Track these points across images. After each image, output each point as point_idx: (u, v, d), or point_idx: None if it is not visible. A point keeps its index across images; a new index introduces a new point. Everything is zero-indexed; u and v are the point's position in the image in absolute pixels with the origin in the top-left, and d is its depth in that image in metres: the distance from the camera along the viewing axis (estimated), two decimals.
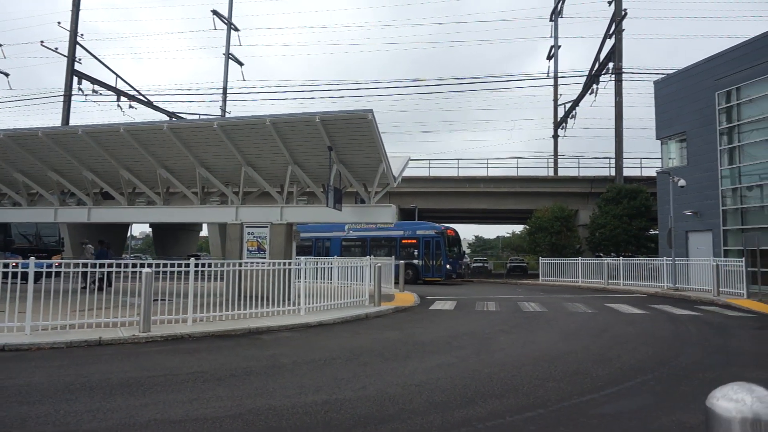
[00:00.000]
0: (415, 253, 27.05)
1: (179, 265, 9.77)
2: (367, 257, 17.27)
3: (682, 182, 20.13)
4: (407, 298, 16.14)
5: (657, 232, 27.16)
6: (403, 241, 27.53)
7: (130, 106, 39.79)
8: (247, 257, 14.41)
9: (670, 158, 25.48)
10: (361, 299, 13.45)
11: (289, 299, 12.03)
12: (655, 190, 26.50)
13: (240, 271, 11.49)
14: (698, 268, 19.87)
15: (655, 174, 26.86)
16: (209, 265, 10.79)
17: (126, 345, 8.06)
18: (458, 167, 35.26)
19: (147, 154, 14.85)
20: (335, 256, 25.96)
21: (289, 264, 12.41)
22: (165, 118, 38.86)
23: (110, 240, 20.30)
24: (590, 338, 9.26)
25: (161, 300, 10.97)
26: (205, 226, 43.41)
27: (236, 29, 45.12)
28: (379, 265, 14.16)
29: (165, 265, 9.72)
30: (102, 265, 9.30)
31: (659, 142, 25.82)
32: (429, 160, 35.15)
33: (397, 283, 19.35)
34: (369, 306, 13.21)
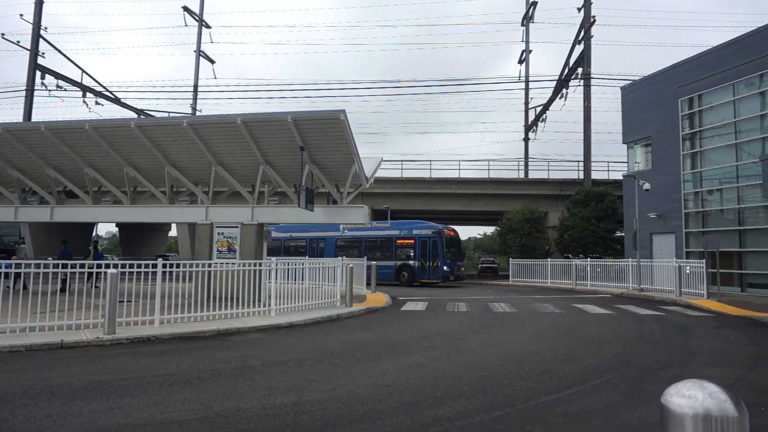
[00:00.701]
0: (411, 254, 26.02)
1: (146, 266, 9.57)
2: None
3: (646, 186, 20.68)
4: (379, 298, 16.16)
5: (623, 234, 27.84)
6: (399, 241, 26.51)
7: (97, 103, 38.78)
8: (217, 258, 14.21)
9: (636, 162, 26.15)
10: (332, 300, 13.41)
11: (259, 300, 11.92)
12: (621, 193, 27.17)
13: (209, 271, 11.32)
14: (662, 269, 20.44)
15: (621, 177, 27.53)
16: (178, 266, 10.60)
17: (90, 348, 7.85)
18: (430, 168, 35.51)
19: (114, 152, 14.51)
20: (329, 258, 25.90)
21: (260, 265, 12.29)
22: (133, 115, 38.03)
23: (75, 240, 19.74)
24: (558, 338, 9.43)
25: (127, 301, 10.73)
26: (174, 226, 42.63)
27: (208, 26, 44.49)
28: (351, 265, 14.14)
29: (132, 266, 9.51)
30: (65, 266, 9.05)
31: (626, 146, 26.48)
32: (402, 161, 35.15)
33: (369, 284, 19.34)
34: (340, 307, 13.18)
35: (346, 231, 27.76)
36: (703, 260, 17.88)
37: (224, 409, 4.84)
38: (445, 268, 25.15)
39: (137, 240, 42.37)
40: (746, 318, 12.60)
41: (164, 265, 9.64)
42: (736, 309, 14.05)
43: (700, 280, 17.75)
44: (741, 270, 20.19)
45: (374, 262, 21.91)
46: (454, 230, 27.23)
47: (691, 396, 1.29)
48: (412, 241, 26.04)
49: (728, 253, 20.08)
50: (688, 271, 18.43)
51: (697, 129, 22.26)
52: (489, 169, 35.92)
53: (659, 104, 24.00)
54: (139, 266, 9.49)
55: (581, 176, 32.84)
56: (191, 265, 10.78)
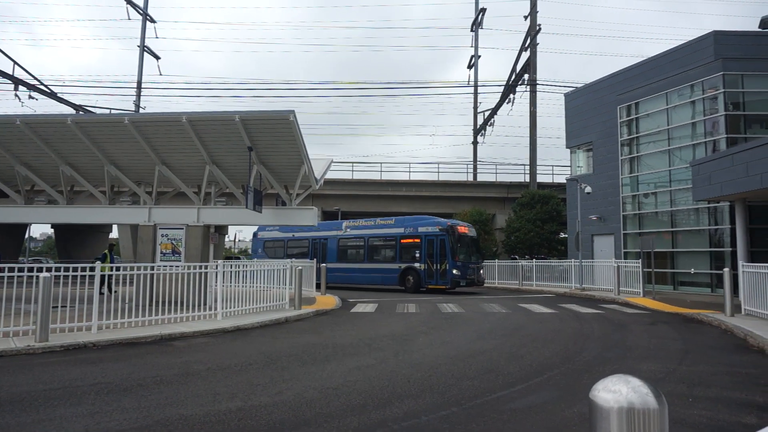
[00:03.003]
0: (417, 255, 22.12)
1: (84, 269, 9.14)
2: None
3: (588, 189, 21.53)
4: (328, 301, 16.08)
5: (566, 235, 28.87)
6: (403, 241, 22.79)
7: (30, 97, 36.65)
8: (161, 260, 13.74)
9: (578, 166, 27.20)
10: (281, 303, 13.23)
11: (205, 304, 11.61)
12: (565, 196, 28.17)
13: (152, 274, 10.93)
14: (602, 269, 21.33)
15: (565, 181, 28.55)
16: (118, 269, 10.17)
17: (19, 356, 7.41)
18: (381, 171, 35.87)
19: (48, 149, 13.79)
20: (333, 260, 24.26)
21: (206, 267, 11.97)
22: (71, 111, 36.23)
23: (5, 242, 18.61)
24: (504, 337, 9.66)
25: (62, 307, 10.20)
26: (115, 228, 40.92)
27: (152, 21, 43.01)
28: (300, 267, 14.00)
29: (67, 269, 9.05)
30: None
31: (569, 150, 27.49)
32: (353, 163, 35.27)
33: (318, 286, 19.21)
34: (289, 310, 13.02)
35: (348, 230, 25.14)
36: (640, 260, 18.78)
37: (165, 417, 4.68)
38: (454, 271, 21.01)
39: (75, 242, 40.40)
40: (677, 314, 13.32)
41: (103, 269, 9.22)
42: (668, 306, 14.83)
43: (637, 279, 18.62)
44: (673, 269, 21.34)
45: (403, 265, 22.02)
46: (468, 226, 23.38)
47: (616, 390, 1.34)
48: (418, 241, 22.24)
49: (662, 254, 21.18)
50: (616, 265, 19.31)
51: (634, 135, 23.37)
52: (439, 172, 36.60)
53: (600, 111, 25.05)
54: (75, 270, 9.05)
55: (527, 179, 33.83)
56: (133, 268, 10.37)
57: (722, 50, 20.02)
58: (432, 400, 5.30)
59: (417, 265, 22.01)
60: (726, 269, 12.70)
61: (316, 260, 21.29)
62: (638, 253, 20.53)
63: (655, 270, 19.08)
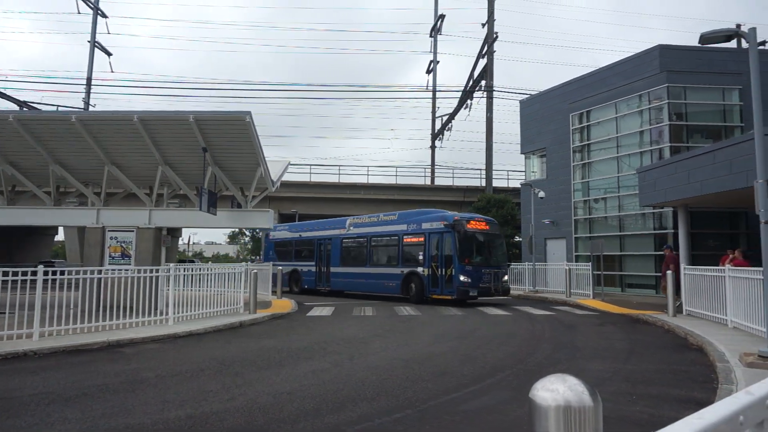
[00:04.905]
0: (421, 258, 17.82)
1: (24, 273, 8.71)
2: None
3: (541, 194, 22.12)
4: (284, 305, 15.89)
5: (521, 239, 29.53)
6: (406, 240, 18.64)
7: None
8: (110, 264, 13.26)
9: (532, 171, 27.90)
10: (235, 307, 12.99)
11: (156, 308, 11.26)
12: (519, 201, 28.82)
13: (100, 279, 10.52)
14: (554, 272, 21.92)
15: (519, 185, 29.22)
16: (62, 273, 9.74)
17: None
18: (339, 174, 35.67)
19: None
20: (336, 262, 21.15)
21: (157, 271, 11.62)
22: (14, 107, 34.52)
23: None
24: (459, 339, 9.80)
25: (1, 313, 9.69)
26: (61, 230, 39.22)
27: (104, 16, 41.51)
28: (255, 271, 13.79)
29: (6, 273, 8.60)
30: None
31: (524, 156, 28.17)
32: (310, 165, 35.05)
33: (275, 290, 18.95)
34: (244, 314, 12.79)
35: (351, 228, 21.24)
36: (590, 263, 19.41)
37: (111, 427, 4.52)
38: (461, 278, 16.43)
39: (17, 245, 38.46)
40: (624, 315, 13.84)
41: (46, 273, 8.83)
42: (616, 307, 15.39)
43: (587, 281, 19.24)
44: (621, 272, 22.16)
45: (405, 269, 18.17)
46: (485, 220, 18.54)
47: (553, 389, 1.39)
48: (421, 239, 18.01)
49: (611, 257, 21.95)
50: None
51: (585, 142, 24.16)
52: (397, 175, 36.81)
53: (553, 118, 25.79)
54: (15, 274, 8.61)
55: (484, 184, 34.45)
56: (79, 272, 9.96)
57: (667, 63, 20.98)
58: (386, 403, 5.32)
59: (420, 269, 17.74)
60: (669, 272, 13.28)
61: (272, 264, 20.88)
62: (589, 256, 21.23)
63: (604, 273, 19.77)
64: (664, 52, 21.33)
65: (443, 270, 16.99)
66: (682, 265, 14.06)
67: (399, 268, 18.49)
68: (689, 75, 20.59)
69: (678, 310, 12.95)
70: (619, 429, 4.60)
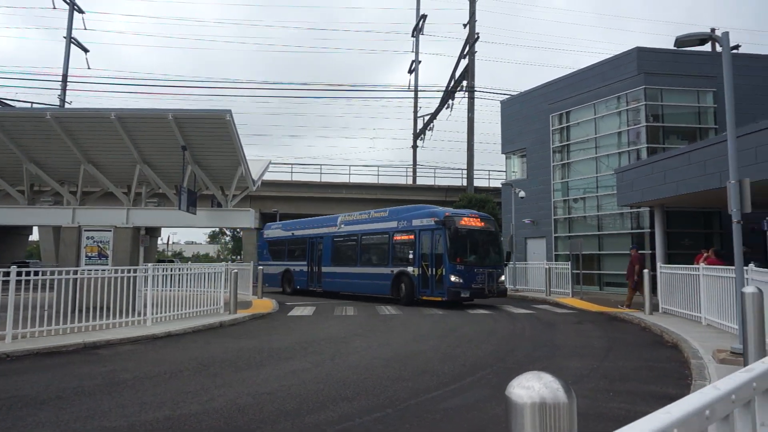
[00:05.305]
0: (411, 256, 16.87)
1: None
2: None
3: (522, 194, 22.33)
4: (265, 304, 15.78)
5: (502, 238, 29.74)
6: (396, 238, 17.65)
7: None
8: (86, 264, 13.02)
9: (513, 171, 28.15)
10: (216, 307, 12.86)
11: (134, 309, 11.09)
12: (500, 200, 29.05)
13: (75, 279, 10.33)
14: (534, 271, 22.14)
15: (500, 185, 29.45)
16: (36, 273, 9.53)
17: None
18: (321, 173, 35.53)
19: None
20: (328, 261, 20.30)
21: (135, 271, 11.44)
22: None
23: None
24: (439, 338, 9.84)
25: None
26: (36, 229, 38.40)
27: (81, 11, 40.72)
28: (236, 270, 13.67)
29: None
30: None
31: (504, 156, 28.40)
32: (292, 164, 35.00)
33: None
34: (224, 314, 12.68)
35: (342, 225, 20.35)
36: (569, 262, 19.66)
37: (86, 430, 4.44)
38: (452, 278, 15.51)
39: None
40: (602, 313, 14.04)
41: (19, 273, 8.64)
42: (594, 306, 15.61)
43: (566, 280, 19.49)
44: (599, 271, 22.48)
45: (395, 269, 17.13)
46: (479, 216, 17.45)
47: (529, 387, 1.40)
48: (412, 237, 17.05)
49: (589, 256, 22.26)
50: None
51: (565, 143, 24.45)
52: (379, 175, 36.79)
53: (533, 119, 26.04)
54: None
55: (465, 183, 34.63)
56: (54, 273, 9.76)
57: (644, 65, 21.34)
58: (367, 403, 5.32)
59: (410, 269, 16.78)
60: (645, 270, 13.52)
61: (253, 263, 20.71)
62: (568, 255, 21.49)
63: (582, 271, 20.04)
64: (641, 54, 21.69)
65: (433, 270, 16.04)
66: (659, 264, 14.34)
67: (389, 268, 17.62)
68: (666, 77, 20.97)
69: (637, 307, 13.53)
70: (597, 425, 4.67)
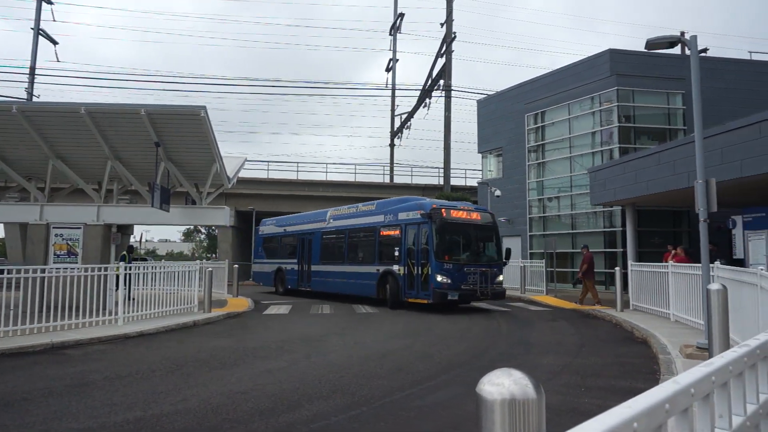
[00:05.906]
0: (396, 254, 15.28)
1: None
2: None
3: (498, 192, 22.55)
4: (241, 303, 15.63)
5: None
6: (383, 233, 16.07)
7: None
8: (54, 262, 12.70)
9: (489, 170, 28.39)
10: (190, 306, 12.69)
11: (105, 308, 10.87)
12: (476, 199, 29.26)
13: (43, 278, 10.06)
14: (509, 269, 22.36)
15: (476, 184, 29.70)
16: (1, 272, 9.26)
17: None
18: (298, 171, 35.42)
19: None
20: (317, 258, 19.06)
21: (106, 269, 11.21)
22: None
23: None
24: (415, 336, 9.88)
25: None
26: (1, 227, 37.25)
27: (49, 2, 39.60)
28: (210, 269, 13.50)
29: None
30: None
31: (480, 155, 28.63)
32: (268, 162, 34.59)
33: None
34: (198, 313, 12.51)
35: (331, 220, 18.97)
36: (543, 260, 19.94)
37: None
38: (438, 278, 13.81)
39: None
40: (575, 311, 14.28)
41: None
42: (567, 303, 15.86)
43: (541, 278, 19.76)
44: (573, 269, 22.84)
45: (381, 268, 15.72)
46: (473, 210, 15.85)
47: (499, 383, 1.42)
48: (398, 233, 15.44)
49: (563, 254, 22.62)
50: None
51: (540, 142, 24.77)
52: (356, 173, 36.64)
53: (509, 118, 26.31)
54: None
55: (442, 182, 34.82)
56: (20, 271, 9.49)
57: (616, 67, 21.74)
58: (342, 401, 5.31)
59: (396, 267, 15.18)
60: (617, 268, 13.81)
61: (228, 261, 20.43)
62: (542, 253, 21.79)
63: (557, 269, 20.34)
64: (614, 56, 22.09)
65: (419, 269, 14.43)
66: (630, 262, 14.65)
67: (375, 266, 16.04)
68: (637, 79, 21.40)
69: (589, 303, 14.67)
70: (570, 420, 4.75)
